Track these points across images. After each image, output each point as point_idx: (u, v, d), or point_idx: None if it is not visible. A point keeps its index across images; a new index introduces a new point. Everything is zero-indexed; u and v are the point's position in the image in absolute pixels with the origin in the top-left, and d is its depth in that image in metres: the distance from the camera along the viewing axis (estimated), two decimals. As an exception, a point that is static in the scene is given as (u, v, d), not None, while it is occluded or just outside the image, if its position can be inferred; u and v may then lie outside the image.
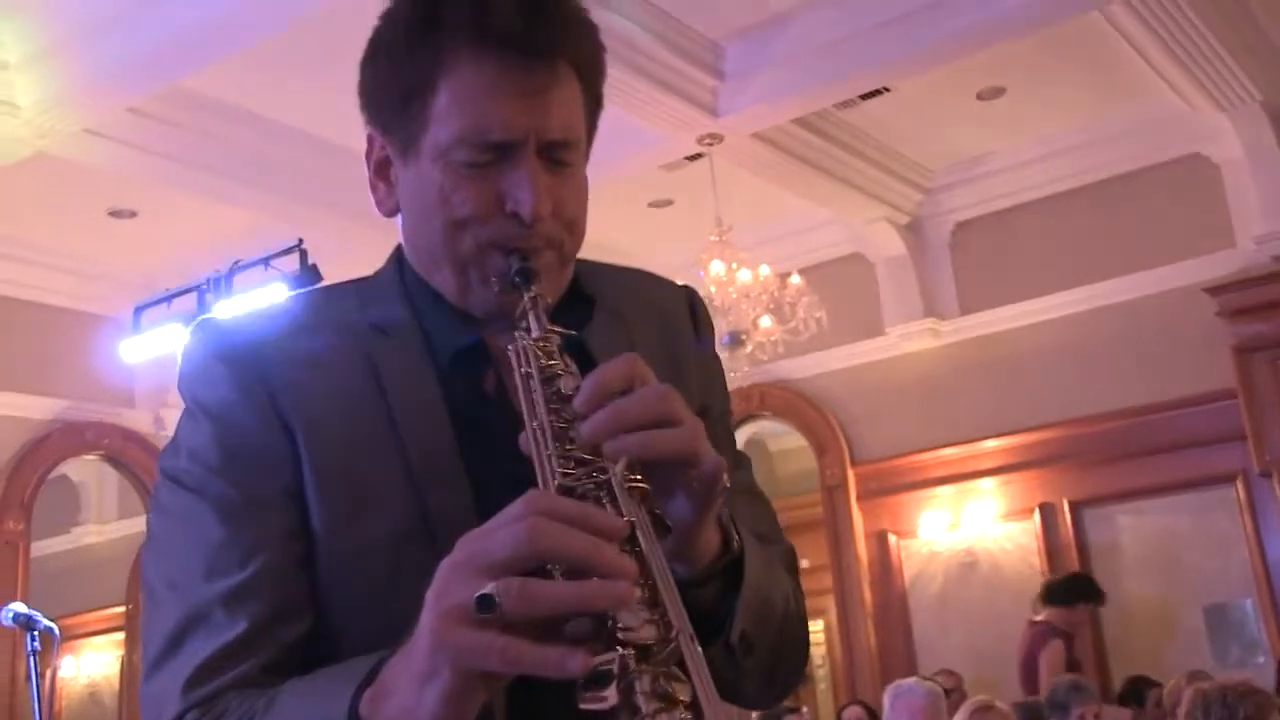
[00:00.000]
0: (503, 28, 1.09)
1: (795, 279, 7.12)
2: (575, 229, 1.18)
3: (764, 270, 7.07)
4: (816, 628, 13.33)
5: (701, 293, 6.35)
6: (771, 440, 12.79)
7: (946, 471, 8.52)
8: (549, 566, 0.84)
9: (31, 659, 4.95)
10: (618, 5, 6.13)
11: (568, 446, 0.96)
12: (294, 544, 1.09)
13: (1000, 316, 8.48)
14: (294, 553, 1.08)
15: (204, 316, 1.18)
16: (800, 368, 8.86)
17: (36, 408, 8.22)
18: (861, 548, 8.76)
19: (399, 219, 1.21)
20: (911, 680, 4.70)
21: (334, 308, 1.20)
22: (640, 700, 0.80)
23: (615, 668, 0.81)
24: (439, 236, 1.14)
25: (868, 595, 8.68)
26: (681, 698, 0.81)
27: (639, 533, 0.89)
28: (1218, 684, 4.22)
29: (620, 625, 0.83)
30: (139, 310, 6.12)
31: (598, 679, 0.81)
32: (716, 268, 6.97)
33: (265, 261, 5.39)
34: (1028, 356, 8.34)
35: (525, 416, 1.00)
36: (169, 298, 5.75)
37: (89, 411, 8.42)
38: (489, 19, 1.09)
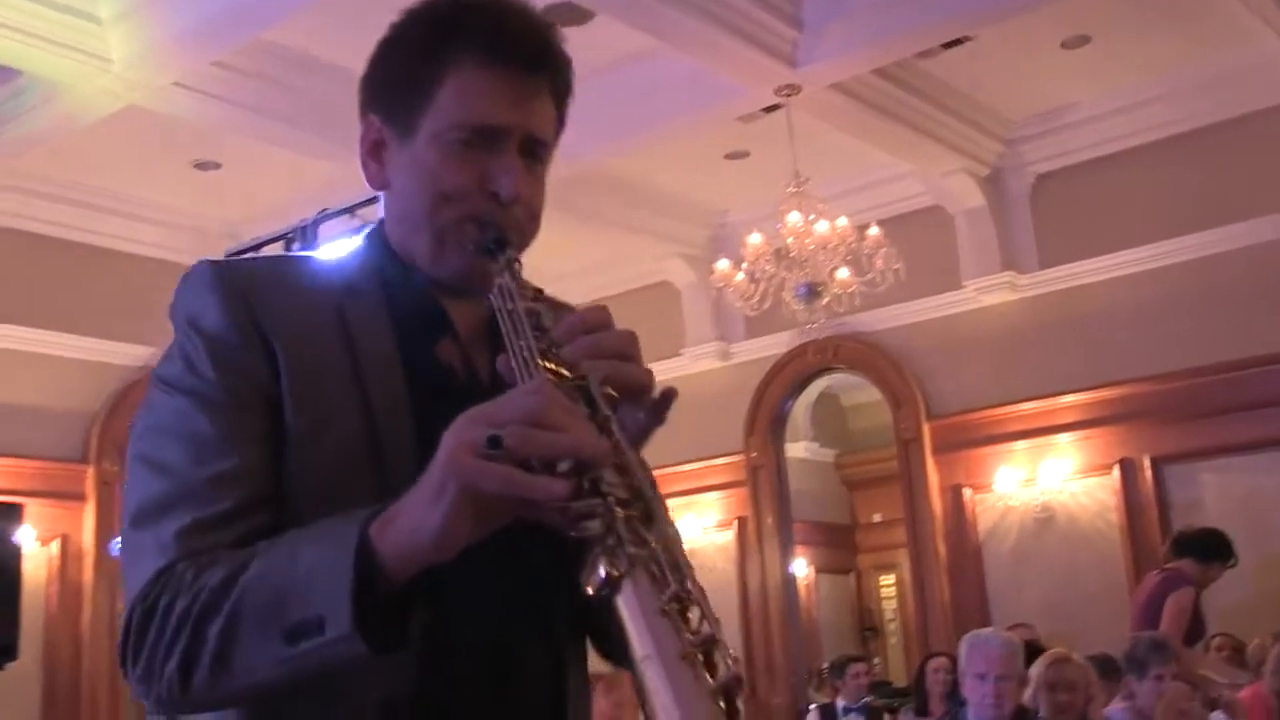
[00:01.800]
0: (510, 45, 1.30)
1: (874, 230, 7.08)
2: (536, 221, 1.36)
3: (841, 221, 7.04)
4: (888, 581, 13.37)
5: (779, 244, 6.33)
6: (844, 394, 12.79)
7: (1023, 426, 8.45)
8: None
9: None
10: (696, -45, 6.12)
11: (547, 364, 1.11)
12: (270, 445, 1.21)
13: (1081, 270, 8.37)
14: (269, 453, 1.21)
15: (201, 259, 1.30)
16: (876, 320, 8.83)
17: (128, 354, 8.47)
18: (936, 502, 8.74)
19: (383, 197, 1.38)
20: (988, 630, 4.70)
21: (314, 267, 1.36)
22: (620, 530, 0.96)
23: (600, 507, 0.97)
24: (424, 207, 1.30)
25: (942, 549, 8.66)
26: (649, 539, 0.97)
27: (613, 424, 1.06)
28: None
29: (603, 480, 0.99)
30: (228, 257, 6.25)
31: (587, 513, 0.97)
32: (794, 219, 6.94)
33: (350, 210, 5.45)
34: (1109, 311, 8.23)
35: (509, 340, 1.15)
36: (257, 245, 5.83)
37: (177, 359, 8.63)
38: (500, 38, 1.29)
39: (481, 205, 1.29)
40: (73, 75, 6.26)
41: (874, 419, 11.37)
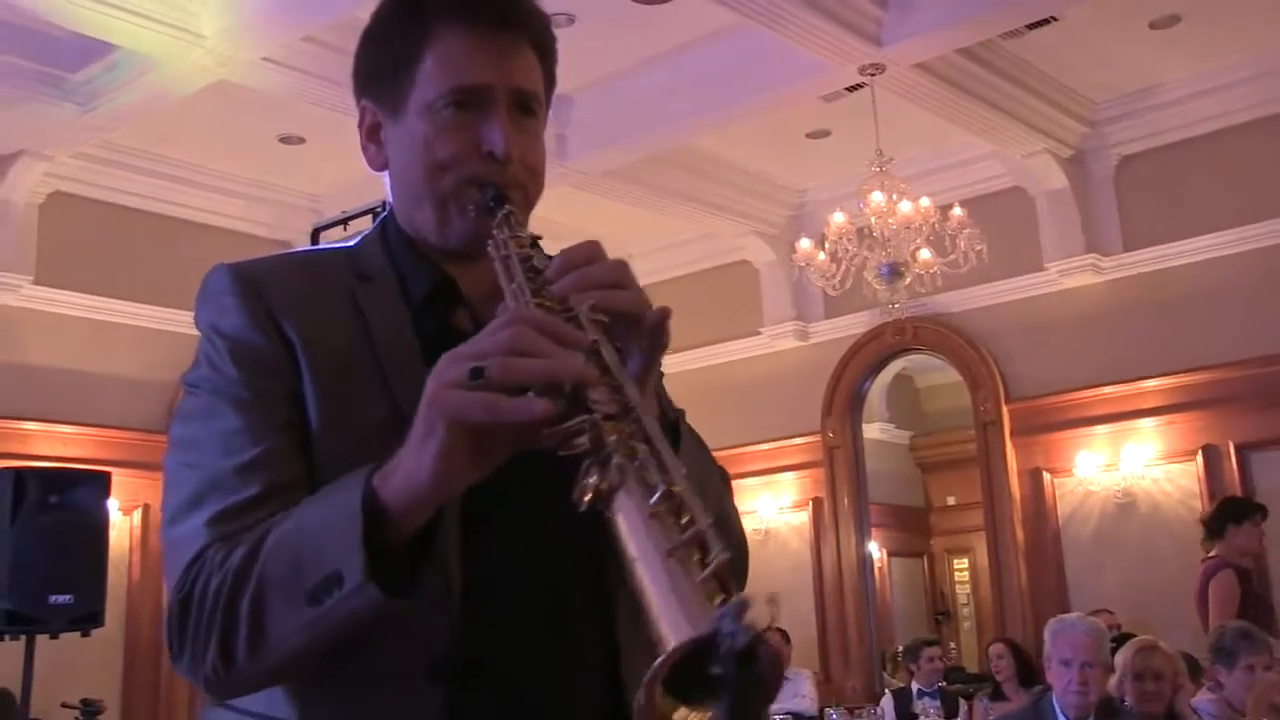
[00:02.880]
0: (481, 6, 1.33)
1: (956, 211, 7.02)
2: (537, 177, 1.38)
3: (924, 201, 6.98)
4: (961, 565, 13.29)
5: (861, 223, 6.30)
6: (919, 376, 12.72)
7: (1105, 410, 8.35)
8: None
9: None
10: (784, -68, 6.08)
11: (541, 302, 1.14)
12: (295, 433, 1.24)
13: (1166, 253, 8.24)
14: (295, 440, 1.24)
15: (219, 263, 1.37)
16: (956, 301, 8.76)
17: (211, 327, 8.59)
18: (1015, 485, 8.66)
19: (386, 177, 1.40)
20: (1073, 615, 4.65)
21: (327, 257, 1.41)
22: (609, 443, 0.97)
23: (587, 424, 0.99)
24: (422, 177, 1.33)
25: (1020, 533, 8.59)
26: (638, 450, 0.98)
27: (601, 348, 1.07)
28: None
29: (590, 398, 1.00)
30: (316, 230, 6.33)
31: (575, 432, 0.99)
32: (877, 198, 6.90)
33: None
34: (1194, 295, 8.10)
35: (504, 286, 1.18)
36: (345, 220, 5.92)
37: (257, 332, 8.75)
38: (471, 1, 1.34)
39: (478, 167, 1.31)
40: (165, 50, 6.36)
41: (949, 401, 11.29)
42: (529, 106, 1.35)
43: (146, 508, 8.29)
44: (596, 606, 1.28)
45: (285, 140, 8.19)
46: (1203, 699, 5.04)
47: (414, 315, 1.32)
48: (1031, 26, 7.12)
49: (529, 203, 1.37)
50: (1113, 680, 4.50)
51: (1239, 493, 7.80)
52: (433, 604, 1.18)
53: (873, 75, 7.00)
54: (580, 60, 7.08)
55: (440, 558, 1.17)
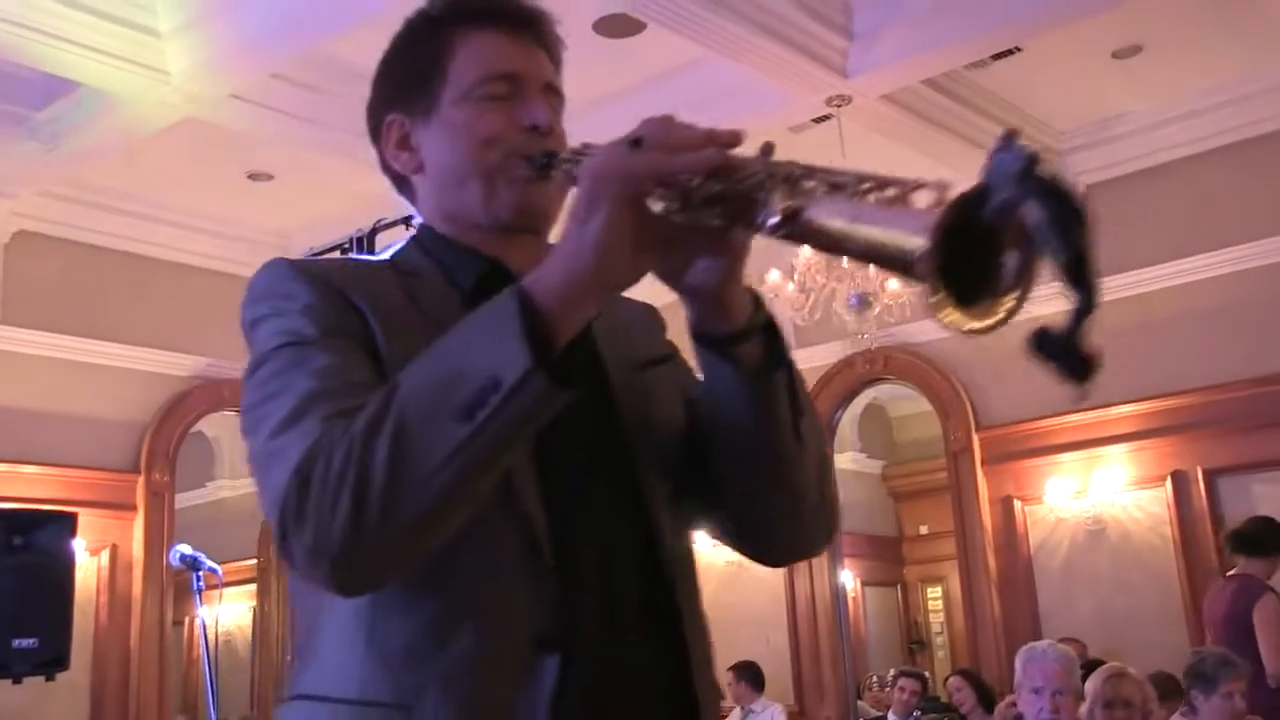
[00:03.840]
0: (507, 11, 1.41)
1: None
2: None
3: (893, 232, 7.01)
4: (935, 594, 13.29)
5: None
6: (891, 406, 12.74)
7: (1075, 437, 8.38)
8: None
9: (198, 597, 5.17)
10: (749, -34, 6.13)
11: None
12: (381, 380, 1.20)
13: (1132, 280, 8.29)
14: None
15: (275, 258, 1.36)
16: (926, 331, 8.78)
17: (179, 365, 8.56)
18: (986, 514, 8.68)
19: (418, 185, 1.44)
20: (1044, 643, 4.64)
21: (368, 262, 1.44)
22: (785, 169, 1.01)
23: (757, 162, 1.03)
24: (466, 156, 1.36)
25: (992, 562, 8.60)
26: (814, 169, 1.00)
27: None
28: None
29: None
30: (283, 269, 6.31)
31: (746, 172, 1.02)
32: (845, 229, 6.92)
33: (406, 220, 5.48)
34: (1163, 321, 8.16)
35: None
36: (313, 257, 5.90)
37: (226, 369, 8.69)
38: (496, 7, 1.41)
39: (523, 140, 1.35)
40: (131, 87, 6.33)
41: (921, 430, 11.32)
42: (554, 104, 1.42)
43: (114, 548, 8.15)
44: (661, 587, 1.29)
45: (254, 177, 8.16)
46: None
47: (464, 301, 1.30)
48: (996, 57, 7.19)
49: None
50: (1083, 708, 4.49)
51: (1208, 518, 7.85)
52: (529, 576, 1.19)
53: (839, 106, 7.05)
54: (548, 94, 7.12)
55: (532, 530, 1.19)
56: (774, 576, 9.49)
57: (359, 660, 1.18)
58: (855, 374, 9.45)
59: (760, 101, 6.97)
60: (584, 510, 1.25)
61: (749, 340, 1.26)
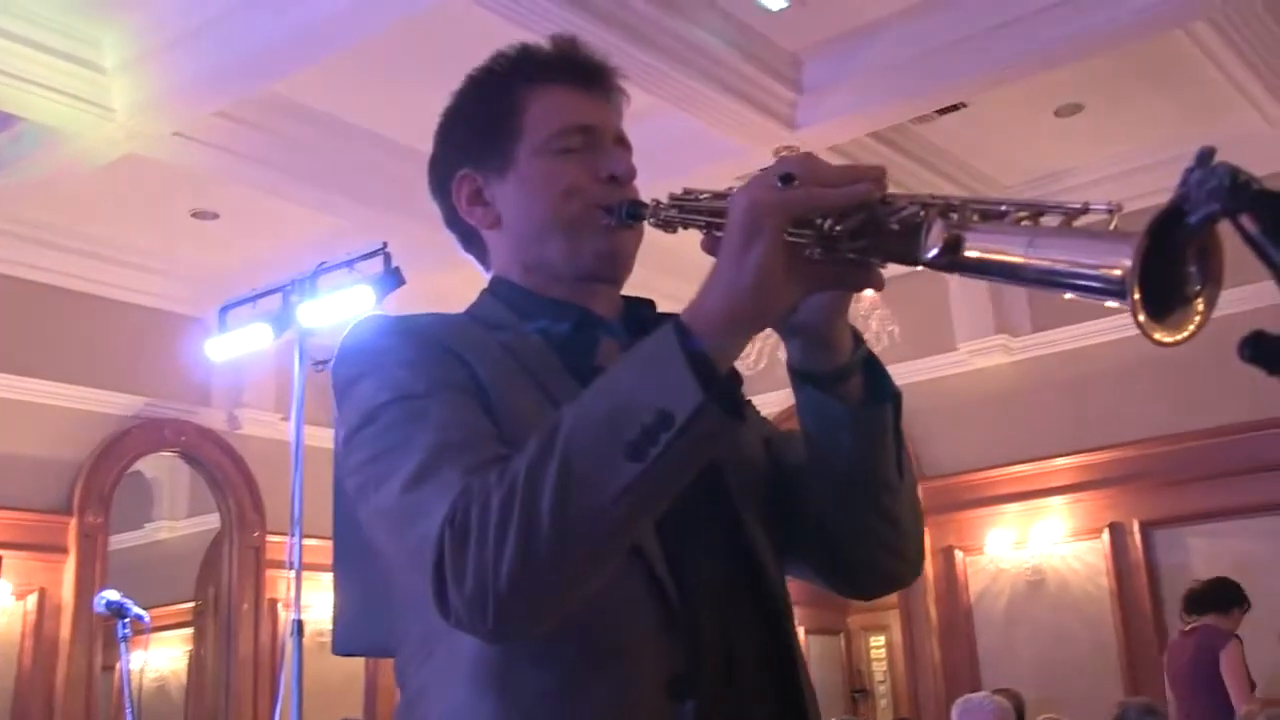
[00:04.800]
0: (580, 67, 1.42)
1: (869, 292, 7.10)
2: None
3: (837, 283, 7.06)
4: (878, 642, 13.29)
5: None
6: (836, 454, 12.76)
7: (1015, 489, 8.47)
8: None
9: (123, 645, 5.07)
10: (698, 18, 6.19)
11: None
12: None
13: (1073, 334, 8.42)
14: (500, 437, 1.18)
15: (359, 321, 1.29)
16: (869, 381, 8.84)
17: (118, 404, 8.40)
18: (928, 563, 8.72)
19: (492, 240, 1.44)
20: (980, 695, 4.68)
21: (451, 317, 1.37)
22: (938, 201, 1.02)
23: (907, 197, 1.04)
24: (549, 208, 1.37)
25: (933, 611, 8.64)
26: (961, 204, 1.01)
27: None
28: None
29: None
30: (225, 310, 6.24)
31: (899, 206, 1.03)
32: (790, 280, 6.98)
33: (349, 264, 5.47)
34: (1100, 375, 8.28)
35: (702, 220, 1.24)
36: (254, 298, 5.85)
37: (167, 409, 8.58)
38: (570, 61, 1.42)
39: (602, 190, 1.36)
40: (74, 123, 6.27)
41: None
42: (626, 157, 1.42)
43: (42, 591, 7.87)
44: (772, 630, 1.30)
45: (198, 215, 8.09)
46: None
47: (561, 353, 1.31)
48: (942, 112, 7.29)
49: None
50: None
51: (1143, 569, 7.94)
52: (656, 617, 1.18)
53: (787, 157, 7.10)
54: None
55: (655, 576, 1.18)
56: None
57: (490, 712, 1.16)
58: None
59: (709, 151, 7.02)
60: (695, 550, 1.25)
61: (852, 376, 1.28)
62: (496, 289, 1.43)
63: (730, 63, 6.43)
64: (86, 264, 8.31)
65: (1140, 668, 7.83)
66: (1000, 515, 8.53)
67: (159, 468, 10.21)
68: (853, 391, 1.29)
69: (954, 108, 7.25)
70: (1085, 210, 0.96)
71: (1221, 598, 6.24)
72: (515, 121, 1.39)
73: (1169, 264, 0.88)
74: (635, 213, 1.34)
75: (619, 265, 1.39)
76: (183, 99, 6.22)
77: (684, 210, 1.27)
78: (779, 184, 1.06)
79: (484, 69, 1.45)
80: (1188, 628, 6.14)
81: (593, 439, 1.05)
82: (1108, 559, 8.16)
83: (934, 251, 0.97)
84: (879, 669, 13.28)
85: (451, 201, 1.45)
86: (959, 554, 8.65)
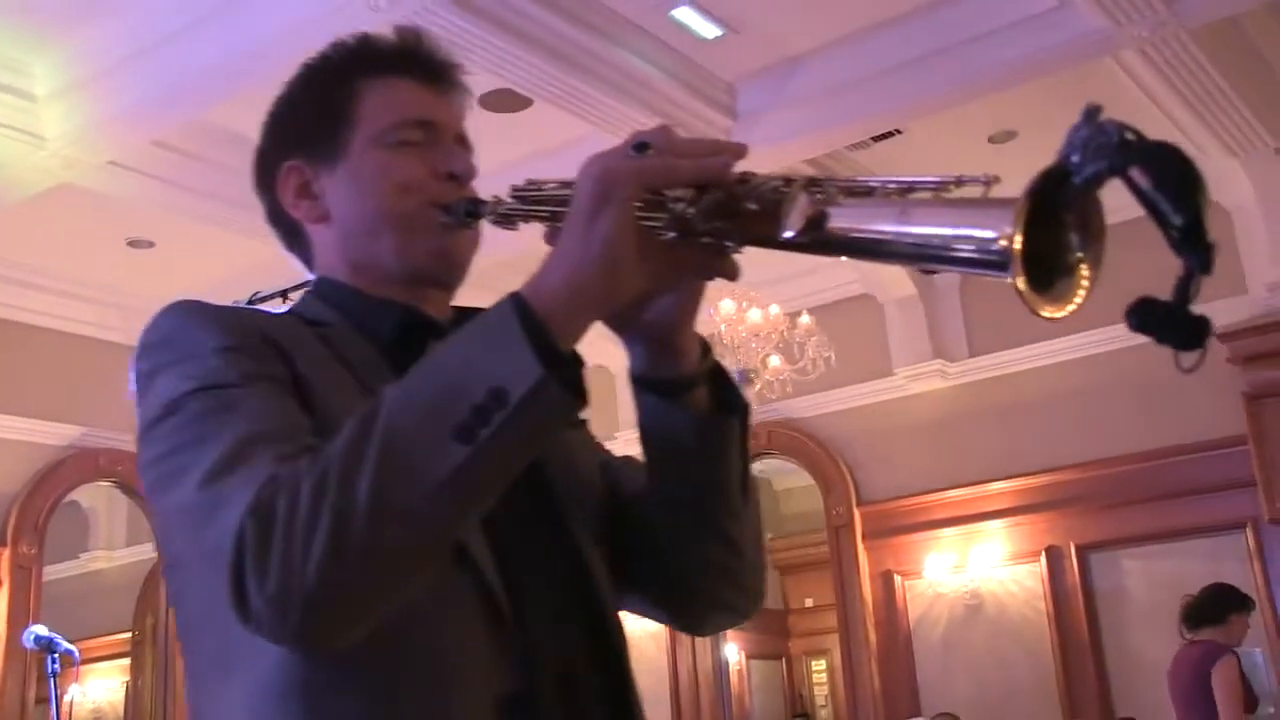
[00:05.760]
0: (421, 60, 1.35)
1: (805, 319, 7.18)
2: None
3: (774, 310, 7.12)
4: (820, 666, 13.33)
5: (710, 331, 6.39)
6: (777, 479, 12.81)
7: (953, 513, 8.54)
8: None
9: (52, 681, 5.00)
10: (631, 45, 6.23)
11: None
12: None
13: (1009, 359, 8.51)
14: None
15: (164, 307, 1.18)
16: (808, 407, 8.90)
17: (53, 434, 8.29)
18: (867, 588, 8.76)
19: (316, 236, 1.34)
20: (914, 720, 4.69)
21: (272, 312, 1.28)
22: (801, 176, 0.94)
23: (770, 176, 0.95)
24: (382, 203, 1.28)
25: (872, 636, 8.67)
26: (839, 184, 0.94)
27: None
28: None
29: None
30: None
31: (758, 183, 0.95)
32: (727, 306, 7.02)
33: (283, 294, 5.43)
34: (1036, 400, 8.37)
35: (553, 216, 1.11)
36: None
37: (103, 439, 8.47)
38: (410, 54, 1.35)
39: (440, 188, 1.28)
40: (5, 152, 6.21)
41: (806, 504, 11.40)
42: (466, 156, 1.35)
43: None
44: (605, 648, 1.22)
45: (134, 244, 8.02)
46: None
47: (385, 352, 1.22)
48: (877, 139, 7.38)
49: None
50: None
51: (1080, 591, 8.00)
52: (486, 631, 1.09)
53: (723, 184, 7.14)
54: (434, 167, 7.13)
55: (485, 583, 1.09)
56: (655, 650, 9.45)
57: None
58: (740, 448, 9.49)
59: (645, 179, 7.06)
60: (525, 559, 1.16)
61: (699, 386, 1.21)
62: (321, 289, 1.33)
63: (665, 90, 6.48)
64: (20, 293, 8.21)
65: (1077, 691, 7.90)
66: (939, 539, 8.59)
67: (96, 497, 10.08)
68: (699, 402, 1.21)
69: (889, 134, 7.34)
70: (959, 183, 0.89)
71: (1214, 610, 6.04)
72: (351, 111, 1.31)
73: (1051, 231, 0.83)
74: (474, 210, 1.25)
75: (453, 267, 1.30)
76: (117, 127, 6.17)
77: (525, 201, 1.18)
78: (634, 153, 0.97)
79: (321, 56, 1.37)
80: (1190, 640, 6.06)
81: (417, 419, 0.95)
82: (1045, 582, 8.23)
83: (795, 229, 0.90)
84: (820, 693, 13.31)
85: (276, 195, 1.35)
86: (898, 578, 8.70)
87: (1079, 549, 8.14)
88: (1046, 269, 0.82)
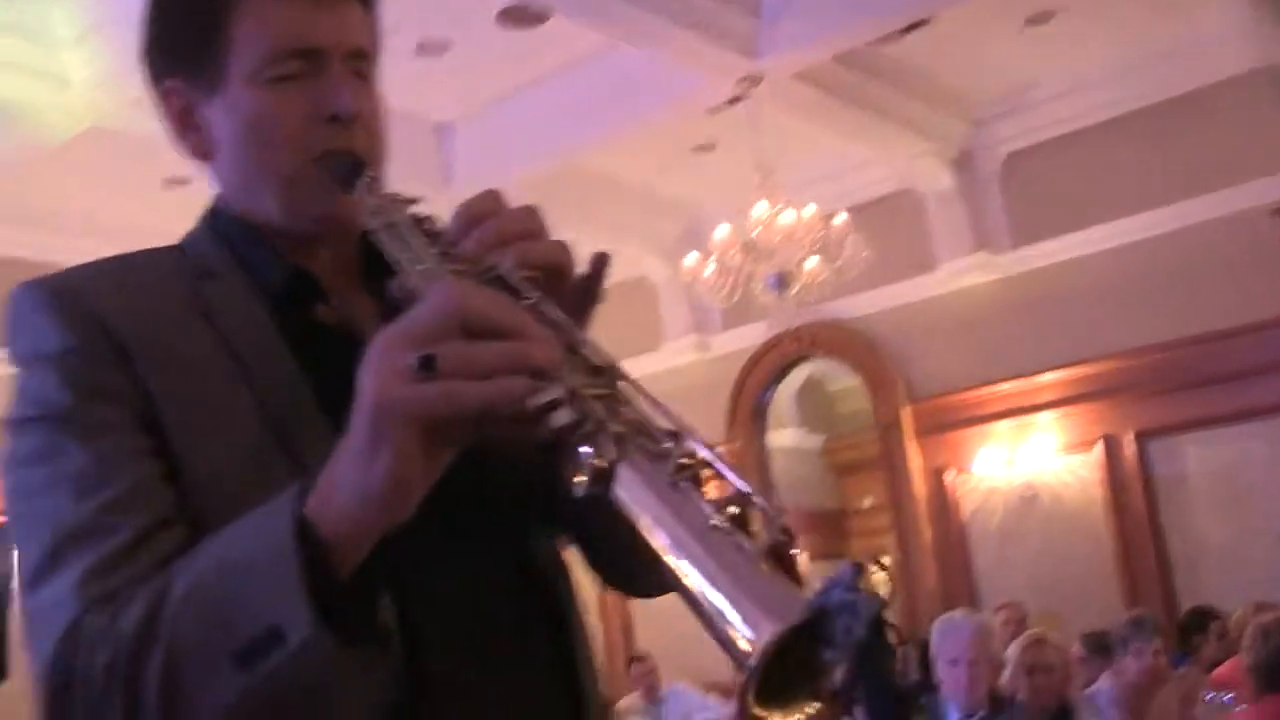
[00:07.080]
0: None
1: (840, 217, 7.07)
2: (379, 144, 1.20)
3: (808, 210, 7.02)
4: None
5: (746, 236, 6.25)
6: (830, 380, 12.74)
7: (1004, 406, 8.46)
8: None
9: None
10: (649, -50, 6.11)
11: (449, 267, 0.98)
12: (156, 462, 1.05)
13: (1055, 248, 8.36)
14: (158, 470, 1.04)
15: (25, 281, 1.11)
16: (852, 307, 8.82)
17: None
18: (920, 485, 8.74)
19: (212, 168, 1.22)
20: (958, 613, 4.67)
21: (154, 257, 1.21)
22: (596, 411, 0.82)
23: (564, 394, 0.82)
24: (262, 159, 1.16)
25: (927, 532, 8.67)
26: (629, 414, 0.83)
27: (543, 306, 0.92)
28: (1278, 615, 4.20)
29: (556, 366, 0.84)
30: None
31: (549, 406, 0.82)
32: (760, 209, 6.93)
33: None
34: (1085, 288, 8.23)
35: (398, 258, 1.01)
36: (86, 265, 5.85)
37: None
38: None
39: (325, 135, 1.14)
40: (31, 98, 6.23)
41: (860, 403, 11.35)
42: (362, 70, 1.18)
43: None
44: (543, 622, 1.16)
45: (170, 183, 8.05)
46: (1101, 686, 5.16)
47: (273, 312, 1.14)
48: (906, 30, 7.18)
49: (377, 166, 1.18)
50: (1005, 675, 4.53)
51: (1139, 481, 7.92)
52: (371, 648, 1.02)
53: (750, 87, 7.03)
54: (458, 89, 7.07)
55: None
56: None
57: None
58: (784, 352, 9.49)
59: (670, 86, 6.97)
60: (431, 546, 1.06)
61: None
62: (216, 221, 1.22)
63: (685, -5, 6.35)
64: (62, 240, 8.24)
65: (1138, 577, 7.86)
66: (991, 433, 8.53)
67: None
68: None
69: (918, 24, 7.13)
70: (779, 523, 0.79)
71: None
72: (223, 31, 1.14)
73: (803, 646, 0.74)
74: (349, 176, 1.12)
75: (340, 231, 1.17)
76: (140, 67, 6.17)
77: (386, 220, 1.06)
78: (415, 369, 0.83)
79: None
80: None
81: (200, 631, 0.90)
82: (1102, 471, 8.16)
83: (578, 489, 0.80)
84: (882, 591, 13.35)
85: (162, 113, 1.22)
86: (950, 474, 8.66)
87: (1137, 436, 8.04)
88: (786, 678, 0.74)
